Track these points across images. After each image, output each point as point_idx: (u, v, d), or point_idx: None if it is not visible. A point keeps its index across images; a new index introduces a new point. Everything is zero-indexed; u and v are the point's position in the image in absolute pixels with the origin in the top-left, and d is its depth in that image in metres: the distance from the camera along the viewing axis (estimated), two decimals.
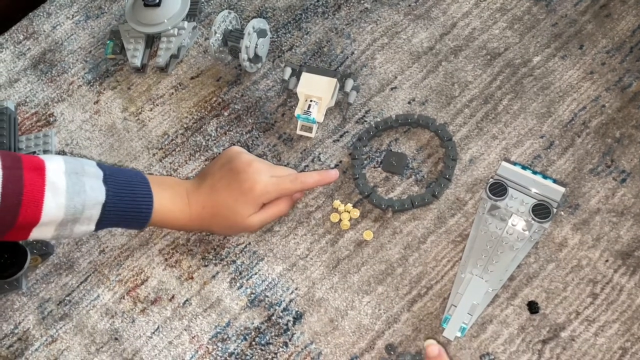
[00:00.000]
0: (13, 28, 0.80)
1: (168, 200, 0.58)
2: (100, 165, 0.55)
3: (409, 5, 0.74)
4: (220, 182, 0.59)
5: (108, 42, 0.76)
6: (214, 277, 0.62)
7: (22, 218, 0.50)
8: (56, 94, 0.75)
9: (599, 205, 0.60)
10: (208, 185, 0.60)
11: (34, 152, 0.69)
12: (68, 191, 0.51)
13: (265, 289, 0.61)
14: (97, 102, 0.74)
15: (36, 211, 0.50)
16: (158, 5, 0.72)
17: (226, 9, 0.77)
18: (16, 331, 0.62)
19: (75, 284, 0.64)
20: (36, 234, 0.52)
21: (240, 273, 0.62)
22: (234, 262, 0.63)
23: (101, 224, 0.54)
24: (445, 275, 0.60)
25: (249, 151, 0.68)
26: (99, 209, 0.53)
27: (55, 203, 0.50)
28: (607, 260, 0.58)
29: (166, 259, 0.64)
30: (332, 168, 0.66)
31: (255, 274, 0.62)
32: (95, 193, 0.52)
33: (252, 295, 0.61)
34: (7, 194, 0.48)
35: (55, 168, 0.51)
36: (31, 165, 0.50)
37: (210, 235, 0.64)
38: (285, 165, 0.67)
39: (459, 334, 0.56)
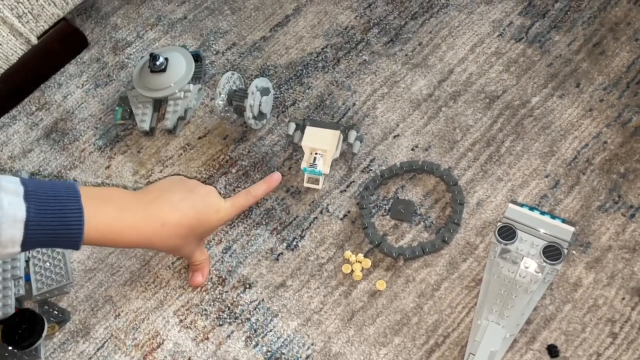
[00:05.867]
0: (25, 100, 0.83)
1: (111, 217, 0.53)
2: (25, 181, 0.50)
3: (406, 55, 0.76)
4: (183, 203, 0.58)
5: (117, 108, 0.78)
6: (229, 336, 0.62)
7: None
8: (69, 161, 0.77)
9: (610, 242, 0.60)
10: (166, 203, 0.57)
11: None
12: None
13: (281, 345, 0.61)
14: (108, 167, 0.76)
15: None
16: (164, 70, 0.75)
17: (229, 70, 0.79)
18: None
19: (92, 350, 0.64)
20: None
21: (255, 331, 0.62)
22: (249, 319, 0.63)
23: (27, 244, 0.49)
24: (462, 322, 0.59)
25: (257, 206, 0.69)
26: (21, 227, 0.48)
27: None
28: (623, 298, 0.58)
29: (181, 320, 0.64)
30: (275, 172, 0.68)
31: (270, 330, 0.62)
32: (14, 209, 0.48)
33: (268, 353, 0.61)
34: None
35: None
36: None
37: (224, 293, 0.65)
38: (295, 219, 0.68)
39: None
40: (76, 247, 0.52)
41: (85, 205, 0.51)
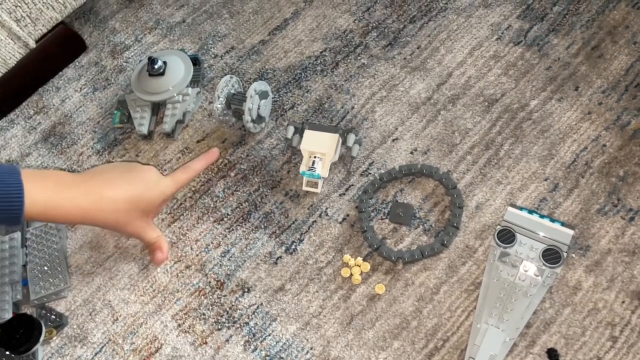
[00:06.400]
0: (24, 104, 0.83)
1: (51, 192, 0.56)
2: None
3: (405, 59, 0.76)
4: (120, 179, 0.60)
5: (115, 112, 0.78)
6: (227, 340, 0.62)
7: None
8: (67, 165, 0.77)
9: (610, 246, 0.60)
10: (104, 180, 0.59)
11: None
12: None
13: (280, 350, 0.61)
14: None
15: None
16: (162, 74, 0.75)
17: (228, 73, 0.79)
18: None
19: (89, 355, 0.64)
20: None
21: (254, 335, 0.62)
22: (247, 324, 0.63)
23: None
24: (461, 325, 0.59)
25: (256, 209, 0.69)
26: None
27: None
28: (623, 302, 0.57)
29: (179, 325, 0.64)
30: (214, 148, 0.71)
31: (269, 335, 0.62)
32: None
33: (267, 357, 0.61)
34: None
35: None
36: None
37: (222, 297, 0.64)
38: (293, 222, 0.68)
39: None
40: (17, 221, 0.54)
41: (25, 181, 0.54)
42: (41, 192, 0.55)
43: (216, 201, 0.71)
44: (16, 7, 0.77)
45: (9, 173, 0.54)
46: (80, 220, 0.59)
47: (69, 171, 0.76)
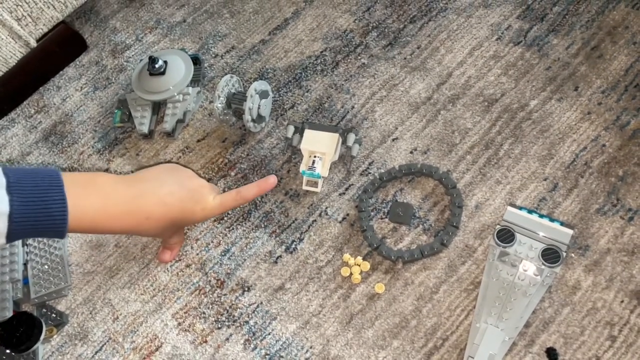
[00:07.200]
0: (24, 103, 0.83)
1: (96, 207, 0.53)
2: (7, 170, 0.49)
3: (405, 58, 0.76)
4: (171, 197, 0.58)
5: (116, 111, 0.78)
6: (227, 339, 0.62)
7: None
8: (67, 164, 0.77)
9: (609, 245, 0.60)
10: (155, 199, 0.57)
11: None
12: None
13: (280, 349, 0.61)
14: (107, 169, 0.76)
15: None
16: (163, 73, 0.75)
17: (228, 73, 0.80)
18: None
19: (90, 354, 0.64)
20: None
21: (254, 334, 0.62)
22: (247, 322, 0.63)
23: (12, 235, 0.49)
24: (461, 325, 0.59)
25: (256, 209, 0.69)
26: (5, 220, 0.47)
27: None
28: (622, 301, 0.58)
29: (180, 323, 0.64)
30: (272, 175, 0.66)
31: (269, 333, 0.62)
32: None
33: (266, 356, 0.61)
34: None
35: None
36: None
37: (222, 296, 0.65)
38: (293, 222, 0.68)
39: None
40: (61, 236, 0.52)
41: (69, 194, 0.51)
42: (86, 208, 0.52)
43: None
44: (17, 6, 0.77)
45: (52, 186, 0.50)
46: (120, 233, 0.58)
47: (69, 170, 0.76)
